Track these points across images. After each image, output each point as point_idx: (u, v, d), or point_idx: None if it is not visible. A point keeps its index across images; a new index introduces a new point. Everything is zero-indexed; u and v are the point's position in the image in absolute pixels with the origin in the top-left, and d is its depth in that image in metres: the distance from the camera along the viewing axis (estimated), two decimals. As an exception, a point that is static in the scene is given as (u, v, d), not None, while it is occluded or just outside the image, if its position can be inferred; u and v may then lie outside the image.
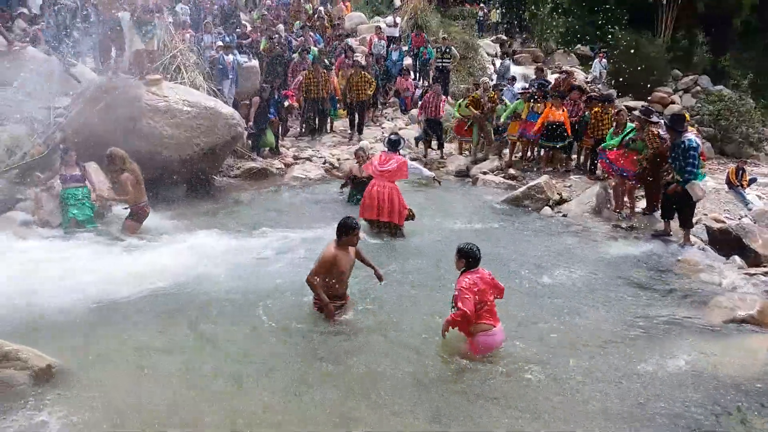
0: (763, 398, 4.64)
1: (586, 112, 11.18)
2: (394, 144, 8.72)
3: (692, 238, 8.21)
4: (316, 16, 19.01)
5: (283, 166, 12.00)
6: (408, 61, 17.87)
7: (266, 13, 18.26)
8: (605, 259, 7.67)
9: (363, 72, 13.93)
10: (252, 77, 14.28)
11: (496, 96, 12.35)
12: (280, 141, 12.86)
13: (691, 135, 8.03)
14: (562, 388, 4.72)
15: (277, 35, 15.58)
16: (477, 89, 12.78)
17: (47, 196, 8.01)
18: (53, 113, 9.35)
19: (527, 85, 14.08)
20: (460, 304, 4.75)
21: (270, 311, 5.76)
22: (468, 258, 4.94)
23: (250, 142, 12.18)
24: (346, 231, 5.51)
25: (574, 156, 11.77)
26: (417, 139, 13.24)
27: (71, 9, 11.04)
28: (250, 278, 6.61)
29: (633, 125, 9.30)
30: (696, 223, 9.12)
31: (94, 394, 4.35)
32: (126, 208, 7.95)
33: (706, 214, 9.71)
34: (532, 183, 10.19)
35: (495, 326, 4.97)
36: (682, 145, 7.83)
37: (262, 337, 5.36)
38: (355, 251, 5.73)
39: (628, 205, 9.26)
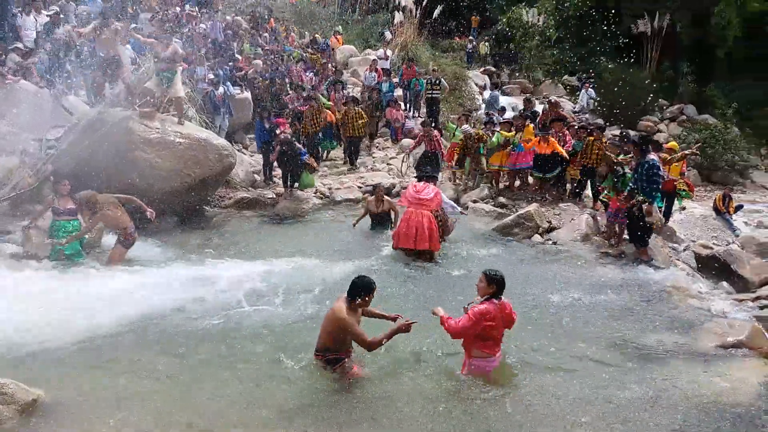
0: (755, 421, 4.64)
1: (576, 141, 11.36)
2: (427, 174, 9.19)
3: (680, 264, 8.28)
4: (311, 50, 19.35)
5: (274, 196, 12.03)
6: (399, 92, 18.11)
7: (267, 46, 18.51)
8: (594, 285, 7.69)
9: (357, 108, 14.12)
10: (245, 109, 14.46)
11: (484, 136, 12.43)
12: (273, 170, 12.90)
13: (654, 156, 8.16)
14: (549, 412, 4.69)
15: (252, 69, 15.74)
16: (467, 120, 12.95)
17: (36, 228, 7.98)
18: (45, 145, 9.41)
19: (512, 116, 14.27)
20: (459, 325, 4.80)
21: (258, 346, 5.73)
22: (498, 285, 4.92)
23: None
24: (367, 292, 4.98)
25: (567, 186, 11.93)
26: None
27: (64, 43, 11.18)
28: (238, 310, 6.58)
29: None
30: (684, 249, 9.22)
31: (81, 427, 4.29)
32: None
33: (694, 241, 9.82)
34: (521, 211, 10.26)
35: (493, 356, 5.00)
36: (646, 165, 7.99)
37: (249, 371, 5.29)
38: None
39: (617, 231, 9.33)
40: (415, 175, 13.16)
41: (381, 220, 9.91)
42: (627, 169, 8.97)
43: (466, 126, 12.60)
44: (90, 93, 10.92)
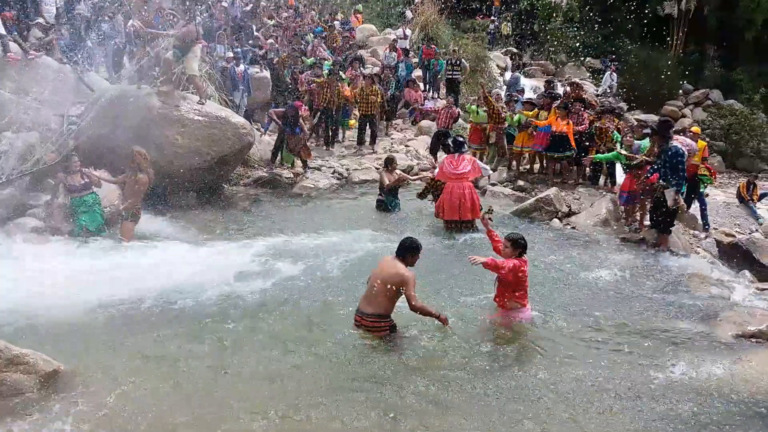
0: (772, 413, 4.59)
1: (597, 124, 11.18)
2: (459, 145, 9.12)
3: (701, 251, 8.16)
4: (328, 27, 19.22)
5: (292, 176, 12.04)
6: (418, 72, 17.93)
7: (283, 22, 18.44)
8: (614, 272, 7.60)
9: (373, 85, 13.98)
10: (263, 87, 14.42)
11: (508, 106, 12.40)
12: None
13: (677, 143, 7.99)
14: (565, 398, 4.68)
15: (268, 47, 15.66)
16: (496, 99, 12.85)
17: (57, 203, 8.07)
18: (66, 121, 9.48)
19: (534, 97, 14.11)
20: (500, 264, 5.53)
21: (272, 320, 5.80)
22: (522, 247, 5.69)
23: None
24: (414, 252, 5.42)
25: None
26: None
27: (86, 19, 11.21)
28: (256, 288, 6.63)
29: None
30: (706, 237, 9.08)
31: (100, 398, 4.35)
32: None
33: (716, 228, 9.66)
34: (541, 195, 10.17)
35: (524, 306, 5.78)
36: (669, 152, 7.82)
37: (271, 344, 5.36)
38: None
39: (638, 217, 9.22)
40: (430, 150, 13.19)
41: (394, 194, 10.00)
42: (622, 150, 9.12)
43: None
44: (110, 70, 10.98)
